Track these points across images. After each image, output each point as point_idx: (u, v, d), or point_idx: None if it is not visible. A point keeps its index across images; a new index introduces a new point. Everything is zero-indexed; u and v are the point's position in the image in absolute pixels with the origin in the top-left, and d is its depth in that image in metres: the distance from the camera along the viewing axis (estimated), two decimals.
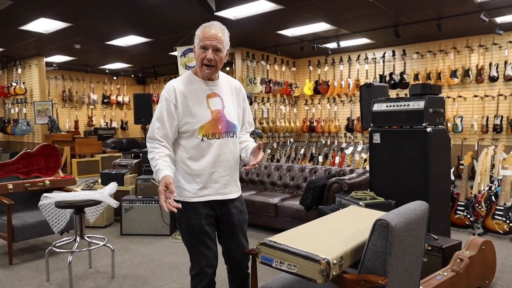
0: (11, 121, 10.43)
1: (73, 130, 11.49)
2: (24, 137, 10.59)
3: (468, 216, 4.32)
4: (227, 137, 1.99)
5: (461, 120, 7.88)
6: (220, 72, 2.03)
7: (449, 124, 7.97)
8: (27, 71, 10.19)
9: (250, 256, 2.05)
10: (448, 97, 8.11)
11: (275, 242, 1.73)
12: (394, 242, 1.62)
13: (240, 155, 2.11)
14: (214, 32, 1.88)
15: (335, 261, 1.59)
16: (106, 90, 13.06)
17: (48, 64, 10.49)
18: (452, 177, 6.87)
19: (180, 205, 1.76)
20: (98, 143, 9.66)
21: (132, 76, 13.29)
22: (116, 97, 13.09)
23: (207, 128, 1.93)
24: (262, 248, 1.75)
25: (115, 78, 13.13)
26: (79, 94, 12.25)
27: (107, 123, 12.94)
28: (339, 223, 2.08)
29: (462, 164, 6.77)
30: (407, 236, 1.73)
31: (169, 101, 1.92)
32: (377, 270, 1.64)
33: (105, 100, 12.87)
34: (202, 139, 1.93)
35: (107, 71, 12.22)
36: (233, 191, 2.05)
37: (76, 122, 12.09)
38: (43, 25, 6.96)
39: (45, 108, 9.95)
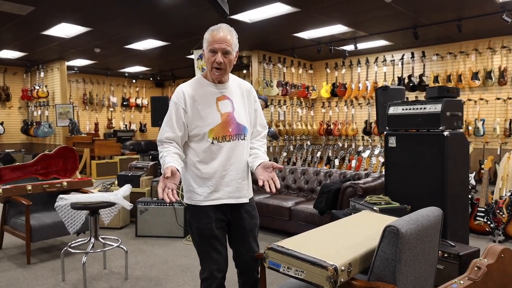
0: (34, 124, 10.73)
1: (93, 132, 11.73)
2: (46, 139, 10.88)
3: (488, 222, 4.19)
4: (238, 139, 1.98)
5: (483, 124, 7.67)
6: (230, 74, 2.03)
7: (470, 128, 7.77)
8: (50, 74, 10.47)
9: (260, 261, 2.04)
10: (469, 100, 7.91)
11: (282, 247, 1.71)
12: (404, 249, 1.58)
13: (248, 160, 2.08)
14: (223, 35, 1.88)
15: (343, 268, 1.56)
16: (126, 93, 13.30)
17: (70, 68, 10.75)
18: (473, 182, 6.68)
19: (177, 199, 1.74)
20: (117, 145, 9.83)
21: (151, 79, 13.49)
22: (135, 100, 13.31)
23: (217, 131, 1.93)
24: (269, 253, 1.73)
25: (134, 81, 13.35)
26: (99, 97, 12.50)
27: (126, 125, 13.16)
28: (349, 228, 2.04)
29: (483, 169, 6.58)
30: (419, 243, 1.69)
31: (178, 105, 1.93)
32: (386, 277, 1.60)
33: (124, 103, 13.10)
34: (212, 142, 1.93)
35: (126, 74, 12.44)
36: (247, 195, 2.03)
37: (96, 124, 12.35)
38: (65, 30, 7.14)
39: (66, 110, 10.20)
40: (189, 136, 1.96)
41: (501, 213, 4.22)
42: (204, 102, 1.94)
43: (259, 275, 2.08)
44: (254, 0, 5.56)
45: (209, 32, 1.90)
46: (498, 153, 7.48)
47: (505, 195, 4.46)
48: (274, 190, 1.88)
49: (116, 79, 12.94)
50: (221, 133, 1.94)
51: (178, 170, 1.80)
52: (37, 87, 10.36)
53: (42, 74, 10.50)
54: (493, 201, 4.33)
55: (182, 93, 1.94)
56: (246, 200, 2.02)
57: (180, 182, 1.89)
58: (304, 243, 1.77)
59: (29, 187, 3.75)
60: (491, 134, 7.65)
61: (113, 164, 8.98)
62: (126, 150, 11.04)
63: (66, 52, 9.11)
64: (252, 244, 2.06)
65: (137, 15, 6.21)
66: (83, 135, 10.10)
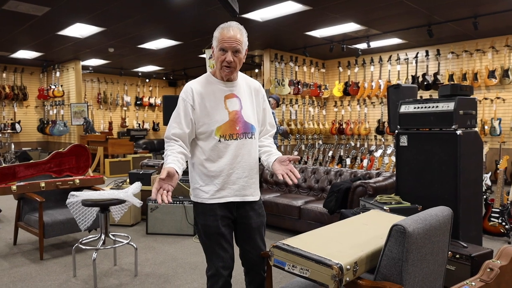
0: (50, 122, 10.92)
1: (107, 131, 11.88)
2: (61, 137, 11.08)
3: (503, 223, 4.10)
4: (245, 138, 1.97)
5: (499, 123, 7.50)
6: (239, 72, 2.03)
7: (486, 127, 7.61)
8: (65, 74, 10.65)
9: (266, 259, 2.03)
10: (486, 99, 7.75)
11: (288, 245, 1.70)
12: (411, 249, 1.55)
13: (260, 158, 2.08)
14: (233, 33, 1.87)
15: (348, 267, 1.54)
16: (139, 92, 13.44)
17: (84, 68, 10.92)
18: (489, 182, 6.55)
19: (169, 200, 1.72)
20: (130, 144, 9.93)
21: (164, 78, 13.60)
22: (149, 99, 13.43)
23: (224, 129, 1.93)
24: (275, 251, 1.72)
25: (147, 80, 13.48)
26: (113, 96, 12.66)
27: (139, 124, 13.30)
28: (357, 227, 2.02)
29: (499, 169, 6.43)
30: (427, 243, 1.66)
31: (187, 102, 1.93)
32: (393, 277, 1.58)
33: (137, 102, 13.23)
34: (219, 140, 1.93)
35: (139, 73, 12.57)
36: (254, 194, 2.03)
37: (110, 123, 12.51)
38: (79, 30, 7.24)
39: (81, 109, 10.36)
40: (196, 133, 1.97)
41: None
42: (212, 99, 1.94)
43: (265, 274, 2.07)
44: None
45: (219, 30, 1.89)
46: None
47: None
48: (295, 181, 1.88)
49: (130, 79, 13.09)
50: (228, 131, 1.93)
51: (177, 172, 1.79)
52: (53, 87, 10.54)
53: (57, 74, 10.69)
54: (508, 202, 4.24)
55: (191, 89, 1.94)
56: (252, 199, 2.01)
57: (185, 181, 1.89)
58: (310, 242, 1.76)
59: (43, 184, 3.82)
60: (508, 133, 7.49)
61: (126, 163, 9.08)
62: (139, 149, 11.16)
63: (81, 52, 9.25)
64: (259, 243, 2.05)
65: (149, 15, 6.26)
66: (97, 133, 10.25)
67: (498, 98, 7.66)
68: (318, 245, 1.71)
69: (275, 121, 3.59)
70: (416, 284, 1.63)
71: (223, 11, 5.91)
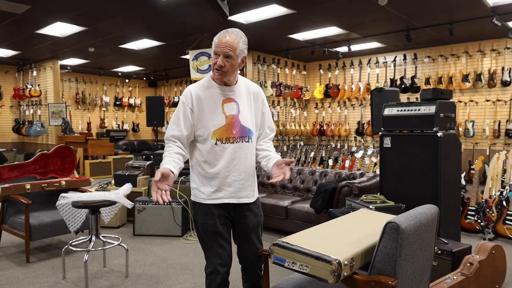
0: (26, 123, 10.65)
1: (86, 131, 11.68)
2: (38, 138, 10.81)
3: (479, 221, 4.31)
4: (242, 142, 2.04)
5: (473, 125, 7.84)
6: (239, 76, 2.09)
7: (460, 129, 7.93)
8: (42, 73, 10.41)
9: (263, 257, 2.10)
10: (460, 102, 8.07)
11: (287, 243, 1.78)
12: (404, 245, 1.66)
13: (260, 163, 2.15)
14: (228, 39, 1.93)
15: (346, 262, 1.63)
16: (118, 93, 13.26)
17: (63, 67, 10.70)
18: (463, 182, 6.84)
19: (169, 199, 1.80)
20: (110, 145, 9.81)
21: (144, 78, 13.47)
22: (128, 99, 13.27)
23: (220, 132, 1.99)
24: (275, 249, 1.79)
25: (127, 80, 13.32)
26: (92, 97, 12.45)
27: (119, 125, 13.12)
28: (349, 226, 2.12)
29: (473, 169, 6.73)
30: (417, 239, 1.77)
31: (186, 105, 1.99)
32: (387, 271, 1.67)
33: (117, 103, 13.05)
34: (215, 143, 1.99)
35: (119, 73, 12.41)
36: (249, 196, 2.09)
37: (89, 124, 12.30)
38: (59, 29, 7.12)
39: (59, 110, 10.15)
40: (195, 135, 2.03)
41: (490, 212, 4.35)
42: (210, 103, 2.00)
43: (261, 272, 2.14)
44: (251, 1, 5.62)
45: (218, 35, 1.96)
46: (487, 153, 7.66)
47: (495, 194, 4.59)
48: (286, 177, 1.98)
49: (109, 79, 12.90)
50: (225, 135, 2.00)
51: (172, 171, 1.85)
52: (29, 86, 10.29)
53: (34, 73, 10.44)
54: (483, 200, 4.46)
55: (190, 93, 2.00)
56: (248, 201, 2.08)
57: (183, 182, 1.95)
58: (308, 240, 1.84)
59: (28, 186, 3.76)
60: (480, 135, 7.82)
61: (106, 164, 8.97)
62: (119, 150, 11.02)
63: (60, 51, 9.07)
64: (255, 242, 2.12)
65: (133, 15, 6.23)
66: (76, 134, 10.06)
67: (471, 101, 8.00)
68: (316, 243, 1.79)
69: None
70: (407, 278, 1.74)
71: (207, 13, 5.95)
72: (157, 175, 1.80)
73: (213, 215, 2.01)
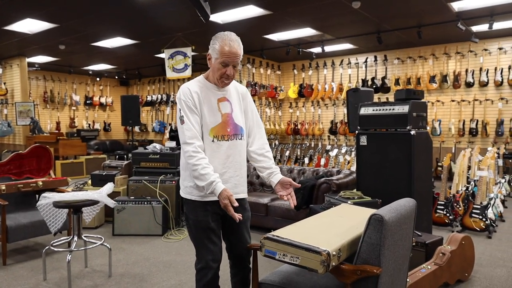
0: None
1: (56, 131, 11.34)
2: (5, 138, 10.41)
3: (448, 214, 4.56)
4: (236, 139, 2.11)
5: (439, 124, 8.21)
6: None
7: (428, 128, 8.28)
8: (8, 71, 10.03)
9: (252, 251, 2.18)
10: (427, 102, 8.43)
11: (278, 236, 1.86)
12: (387, 235, 1.78)
13: (260, 172, 2.25)
14: (236, 49, 1.99)
15: (334, 253, 1.73)
16: (89, 91, 12.94)
17: (30, 65, 10.34)
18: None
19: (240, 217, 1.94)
20: (82, 145, 9.59)
21: (116, 77, 13.21)
22: (99, 98, 12.98)
23: (217, 130, 2.06)
24: (265, 242, 1.87)
25: (98, 79, 13.02)
26: (61, 95, 12.10)
27: (89, 124, 12.81)
28: (333, 220, 2.23)
29: (441, 166, 7.07)
30: (398, 230, 1.89)
31: (188, 101, 2.01)
32: (372, 260, 1.79)
33: (87, 101, 12.74)
34: (212, 140, 2.05)
35: (90, 72, 12.12)
36: (244, 191, 2.20)
37: (58, 123, 11.94)
38: (29, 26, 6.91)
39: (27, 109, 9.81)
40: None
41: (458, 206, 4.61)
42: (208, 102, 2.06)
43: (250, 265, 2.21)
44: (228, 2, 5.67)
45: (220, 43, 1.98)
46: (453, 151, 8.05)
47: (461, 189, 4.87)
48: (295, 203, 2.23)
49: (79, 77, 12.57)
50: (221, 132, 2.06)
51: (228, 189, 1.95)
52: None
53: (0, 71, 10.03)
54: (451, 195, 4.72)
55: (188, 90, 2.03)
56: (243, 196, 2.18)
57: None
58: (296, 233, 1.93)
59: (3, 187, 3.66)
60: (446, 133, 8.21)
61: (79, 164, 8.77)
62: (91, 150, 10.78)
63: (28, 48, 8.79)
64: (245, 235, 2.20)
65: (107, 12, 6.13)
66: (46, 134, 9.76)
67: (438, 101, 8.38)
68: (305, 235, 1.89)
69: None
70: (390, 266, 1.86)
71: (184, 12, 5.96)
72: (225, 197, 1.91)
73: (207, 212, 2.07)
